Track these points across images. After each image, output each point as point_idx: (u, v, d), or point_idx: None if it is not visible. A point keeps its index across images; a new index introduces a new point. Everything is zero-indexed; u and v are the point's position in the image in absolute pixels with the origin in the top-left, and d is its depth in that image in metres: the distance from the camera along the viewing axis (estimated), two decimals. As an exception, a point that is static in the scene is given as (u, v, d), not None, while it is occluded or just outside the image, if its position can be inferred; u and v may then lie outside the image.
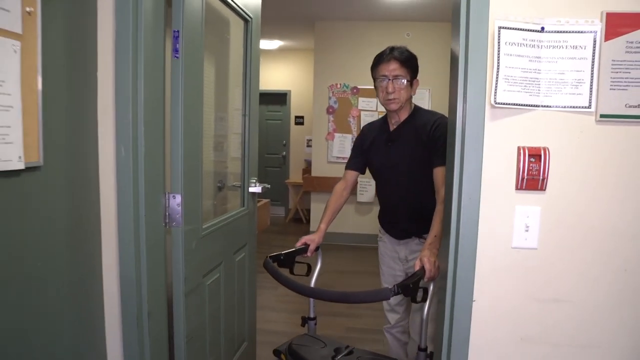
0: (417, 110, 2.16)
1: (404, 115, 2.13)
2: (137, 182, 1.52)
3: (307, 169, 7.32)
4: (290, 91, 8.04)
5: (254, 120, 2.57)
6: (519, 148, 1.39)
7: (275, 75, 7.97)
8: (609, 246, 1.41)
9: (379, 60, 2.05)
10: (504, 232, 1.42)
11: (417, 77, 2.09)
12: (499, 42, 1.34)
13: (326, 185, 6.03)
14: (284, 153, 8.28)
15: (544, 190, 1.39)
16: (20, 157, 1.15)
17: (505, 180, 1.40)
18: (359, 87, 6.13)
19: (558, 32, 1.37)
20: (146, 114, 1.53)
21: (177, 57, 1.69)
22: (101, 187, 1.53)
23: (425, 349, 1.70)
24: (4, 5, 1.06)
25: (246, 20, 2.44)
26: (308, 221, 7.00)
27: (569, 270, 1.42)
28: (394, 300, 2.23)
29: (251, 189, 2.47)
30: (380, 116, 2.33)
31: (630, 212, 1.40)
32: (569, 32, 1.36)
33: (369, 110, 6.12)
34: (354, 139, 2.39)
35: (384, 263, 2.32)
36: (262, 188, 2.51)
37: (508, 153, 1.39)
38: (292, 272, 1.96)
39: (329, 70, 6.18)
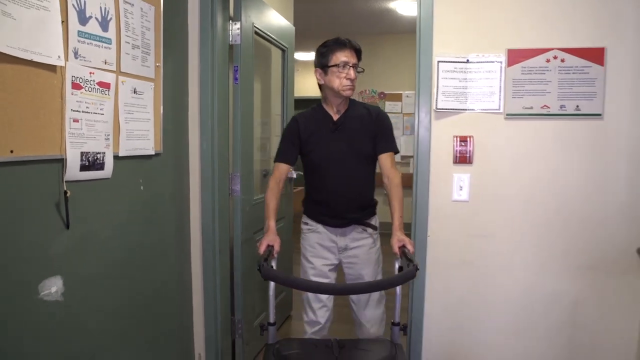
0: (352, 100, 2.18)
1: (345, 104, 2.15)
2: (213, 164, 2.38)
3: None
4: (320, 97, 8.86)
5: (290, 123, 3.43)
6: (454, 136, 2.17)
7: (310, 83, 8.81)
8: (515, 196, 2.18)
9: (338, 47, 2.06)
10: (447, 190, 2.20)
11: None
12: (438, 70, 2.14)
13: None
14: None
15: (471, 163, 2.18)
16: (152, 147, 2.03)
17: (446, 157, 2.18)
18: (385, 92, 6.90)
19: (478, 62, 2.14)
20: (219, 120, 2.39)
21: (236, 83, 2.55)
22: (190, 167, 2.39)
23: (398, 323, 1.80)
24: (147, 64, 1.95)
25: (283, 50, 3.30)
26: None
27: (490, 214, 2.19)
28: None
29: (288, 175, 3.32)
30: (312, 108, 2.23)
31: (527, 172, 2.17)
32: (485, 62, 2.14)
33: (395, 112, 6.86)
34: (285, 131, 2.24)
35: (313, 254, 2.21)
36: (296, 175, 3.36)
37: (447, 139, 2.17)
38: None
39: (359, 77, 6.94)
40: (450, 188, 2.19)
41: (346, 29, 6.60)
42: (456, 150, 2.17)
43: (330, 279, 2.20)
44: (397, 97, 6.89)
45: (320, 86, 2.16)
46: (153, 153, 2.05)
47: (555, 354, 2.24)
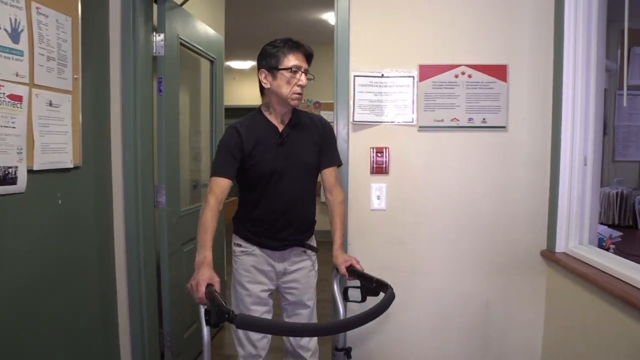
0: (294, 109, 1.99)
1: (290, 114, 1.96)
2: (136, 176, 2.37)
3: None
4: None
5: (220, 133, 3.45)
6: (371, 147, 2.29)
7: (249, 92, 8.83)
8: (429, 204, 2.31)
9: (291, 49, 1.86)
10: (365, 200, 2.30)
11: None
12: (354, 85, 2.24)
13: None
14: (259, 162, 9.10)
15: (388, 173, 2.29)
16: (71, 160, 2.00)
17: (364, 168, 2.29)
18: (320, 101, 7.02)
19: (392, 77, 2.27)
20: (142, 132, 2.38)
21: (161, 95, 2.55)
22: (113, 178, 2.37)
23: (342, 348, 1.80)
24: (64, 76, 1.92)
25: (211, 61, 3.32)
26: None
27: (406, 222, 2.32)
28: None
29: (217, 185, 3.33)
30: (248, 117, 1.98)
31: (440, 181, 2.31)
32: (399, 76, 2.27)
33: (329, 122, 7.00)
34: (223, 142, 1.91)
35: (250, 280, 1.97)
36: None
37: (364, 151, 2.28)
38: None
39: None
40: (369, 197, 2.30)
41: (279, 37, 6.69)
42: (373, 161, 2.28)
43: (269, 305, 2.01)
44: (332, 107, 7.02)
45: (262, 91, 1.94)
46: (72, 166, 2.02)
47: (469, 352, 2.39)
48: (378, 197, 2.29)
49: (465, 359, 2.40)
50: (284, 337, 2.05)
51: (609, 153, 3.62)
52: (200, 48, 3.07)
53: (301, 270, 2.03)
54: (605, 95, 3.23)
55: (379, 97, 2.27)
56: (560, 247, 2.25)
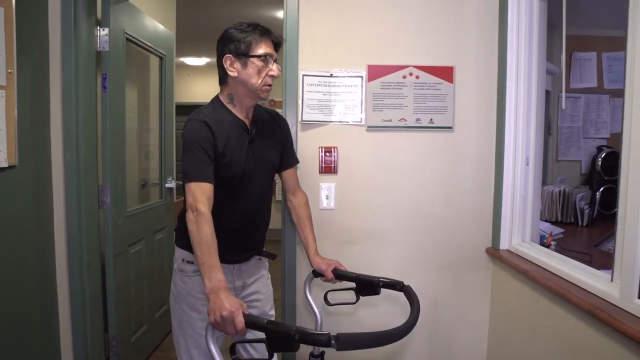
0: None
1: (253, 108, 1.78)
2: (78, 175, 2.27)
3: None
4: (219, 104, 8.78)
5: (169, 131, 3.37)
6: (319, 147, 2.28)
7: (204, 89, 8.69)
8: (378, 203, 2.33)
9: (262, 35, 1.66)
10: (315, 200, 2.30)
11: None
12: (303, 84, 2.23)
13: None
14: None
15: (337, 173, 2.30)
16: (5, 160, 1.90)
17: (313, 167, 2.29)
18: (275, 100, 6.98)
19: (341, 76, 2.27)
20: (85, 130, 2.29)
21: (105, 92, 2.46)
22: (53, 178, 2.27)
23: (319, 355, 1.65)
24: (-4, 70, 1.83)
25: (161, 57, 3.24)
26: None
27: (355, 221, 2.33)
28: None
29: (167, 185, 3.27)
30: (207, 107, 1.70)
31: (389, 180, 2.34)
32: (348, 76, 2.27)
33: (287, 120, 6.99)
34: (194, 138, 1.58)
35: (202, 303, 1.64)
36: (175, 185, 3.31)
37: (313, 150, 2.28)
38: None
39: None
40: (318, 197, 2.30)
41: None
42: (322, 161, 2.28)
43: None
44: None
45: (224, 80, 1.70)
46: (6, 165, 1.92)
47: (419, 347, 2.43)
48: (327, 197, 2.30)
49: (414, 356, 2.44)
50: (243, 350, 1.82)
51: (553, 153, 3.76)
52: (149, 44, 2.99)
53: (260, 279, 1.87)
54: (549, 97, 3.36)
55: (328, 97, 2.27)
56: (504, 245, 2.32)
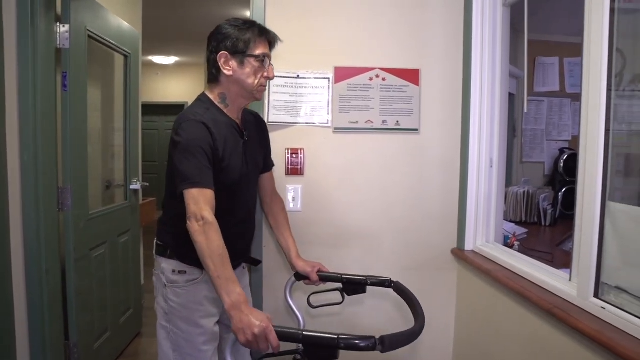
0: None
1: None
2: (37, 177, 2.20)
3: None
4: (187, 103, 8.62)
5: (135, 131, 3.30)
6: (286, 148, 2.27)
7: (173, 88, 8.58)
8: (345, 205, 2.34)
9: (260, 34, 1.60)
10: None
11: None
12: (269, 85, 2.21)
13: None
14: (184, 161, 8.83)
15: (303, 175, 2.29)
16: (-45, 160, 1.83)
17: (279, 169, 2.27)
18: (247, 100, 6.93)
19: (308, 78, 2.27)
20: (43, 130, 2.21)
21: (65, 90, 2.39)
22: (9, 180, 2.18)
23: None
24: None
25: (125, 56, 3.17)
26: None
27: (322, 223, 2.33)
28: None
29: (132, 187, 3.19)
30: (198, 106, 1.62)
31: (355, 183, 2.35)
32: (314, 78, 2.27)
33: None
34: (195, 140, 1.48)
35: (204, 314, 1.62)
36: (141, 186, 3.24)
37: (280, 152, 2.26)
38: None
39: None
40: (284, 199, 2.26)
41: (204, 34, 6.51)
42: (288, 162, 2.27)
43: (217, 340, 1.69)
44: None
45: (215, 78, 1.62)
46: (-43, 167, 1.84)
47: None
48: (293, 199, 2.28)
49: (380, 356, 2.44)
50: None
51: (518, 155, 3.85)
52: (113, 42, 2.92)
53: (245, 289, 1.75)
54: (514, 100, 3.43)
55: (295, 98, 2.26)
56: (469, 245, 2.35)
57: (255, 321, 1.22)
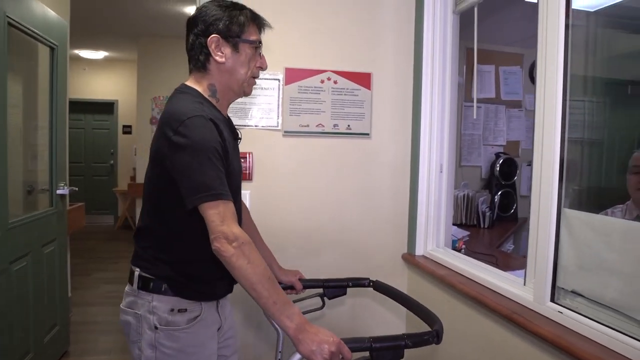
0: None
1: None
2: (-54, 182, 1.94)
3: (134, 177, 7.58)
4: (117, 101, 8.20)
5: (62, 129, 3.03)
6: (234, 153, 2.14)
7: (102, 85, 8.09)
8: (295, 210, 2.26)
9: (253, 19, 1.40)
10: (229, 207, 2.16)
11: None
12: (217, 85, 2.08)
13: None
14: (112, 162, 8.39)
15: (252, 180, 2.18)
16: None
17: (227, 174, 2.14)
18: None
19: (257, 78, 2.15)
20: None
21: (-19, 84, 2.13)
22: None
23: None
24: None
25: (52, 48, 2.90)
26: (138, 227, 7.25)
27: (272, 229, 2.22)
28: None
29: (58, 192, 2.92)
30: (196, 101, 1.32)
31: (306, 187, 2.28)
32: (264, 79, 2.17)
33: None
34: (208, 141, 1.22)
35: (208, 355, 1.38)
36: (69, 191, 2.97)
37: (228, 156, 2.14)
38: None
39: (152, 83, 6.56)
40: (233, 204, 2.16)
41: (138, 29, 6.20)
42: (238, 166, 2.15)
43: None
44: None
45: (207, 68, 1.35)
46: None
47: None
48: (242, 205, 2.17)
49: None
50: None
51: (457, 159, 3.94)
52: (37, 31, 2.64)
53: (231, 311, 1.57)
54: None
55: (243, 100, 2.14)
56: (419, 250, 2.34)
57: (325, 338, 1.12)
